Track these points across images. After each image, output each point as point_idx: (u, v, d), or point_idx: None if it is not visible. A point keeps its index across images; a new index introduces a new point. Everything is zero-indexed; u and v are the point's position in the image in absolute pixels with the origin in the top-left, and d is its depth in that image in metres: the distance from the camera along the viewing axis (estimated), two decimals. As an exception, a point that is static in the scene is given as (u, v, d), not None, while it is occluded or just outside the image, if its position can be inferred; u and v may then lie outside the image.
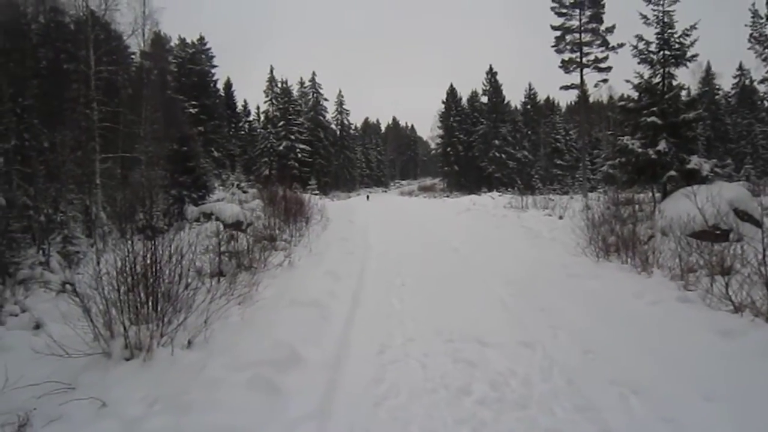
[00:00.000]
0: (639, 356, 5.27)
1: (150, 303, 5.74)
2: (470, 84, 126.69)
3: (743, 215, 11.57)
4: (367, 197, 44.63)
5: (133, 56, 26.30)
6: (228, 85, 54.49)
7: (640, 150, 14.46)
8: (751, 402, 4.16)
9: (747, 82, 47.49)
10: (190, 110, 36.69)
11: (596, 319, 6.63)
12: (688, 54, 15.10)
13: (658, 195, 15.13)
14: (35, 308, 8.09)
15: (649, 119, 14.48)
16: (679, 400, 4.32)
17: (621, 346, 5.58)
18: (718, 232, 10.79)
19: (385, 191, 77.70)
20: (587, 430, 3.95)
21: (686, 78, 43.94)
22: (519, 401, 4.44)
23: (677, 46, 14.94)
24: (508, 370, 5.08)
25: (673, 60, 15.04)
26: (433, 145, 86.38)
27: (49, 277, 10.35)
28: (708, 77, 48.25)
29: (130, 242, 6.00)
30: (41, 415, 4.13)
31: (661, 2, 14.92)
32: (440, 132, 69.71)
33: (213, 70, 46.18)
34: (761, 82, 28.43)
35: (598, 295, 7.79)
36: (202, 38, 46.03)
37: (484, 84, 61.48)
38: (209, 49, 46.32)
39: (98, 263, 5.78)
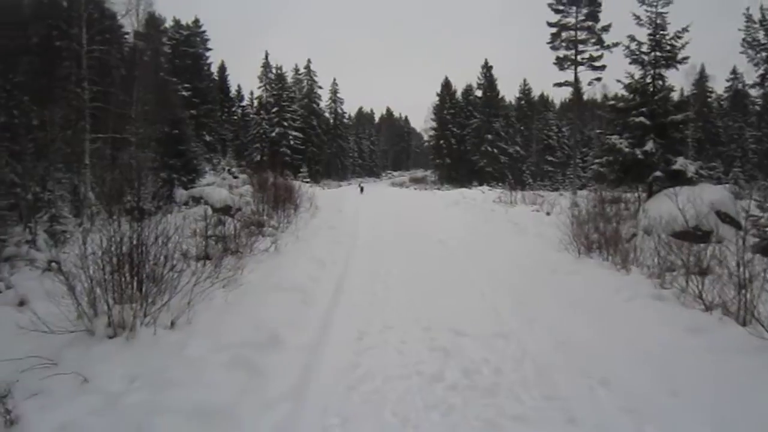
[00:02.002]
0: (610, 349, 5.44)
1: (135, 283, 5.84)
2: (465, 77, 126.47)
3: (725, 217, 11.82)
4: (361, 189, 42.32)
5: (126, 36, 26.07)
6: (222, 69, 54.13)
7: (627, 149, 14.68)
8: (713, 396, 4.32)
9: (740, 86, 47.84)
10: (183, 93, 36.41)
11: (573, 312, 6.81)
12: (679, 56, 15.31)
13: (643, 195, 15.36)
14: (20, 285, 8.16)
15: (637, 119, 14.70)
16: (645, 392, 4.48)
17: (594, 340, 5.75)
18: (699, 233, 11.01)
19: (377, 181, 77.65)
20: (552, 417, 4.12)
21: (679, 80, 44.12)
22: (489, 388, 4.60)
23: (668, 48, 15.14)
24: (482, 359, 5.23)
25: (663, 62, 15.24)
26: (426, 137, 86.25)
27: (35, 255, 10.40)
28: (701, 80, 48.48)
29: (117, 223, 6.08)
30: (23, 388, 4.23)
31: (655, 4, 15.09)
32: (433, 124, 69.64)
33: (207, 54, 45.80)
34: (753, 86, 28.72)
35: (577, 289, 7.97)
36: (197, 20, 45.61)
37: (479, 78, 61.48)
38: (204, 31, 45.91)
39: (85, 243, 5.85)
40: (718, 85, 51.76)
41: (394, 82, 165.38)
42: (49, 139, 14.05)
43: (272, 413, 4.13)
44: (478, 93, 62.19)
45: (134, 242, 5.94)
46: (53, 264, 8.86)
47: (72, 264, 5.79)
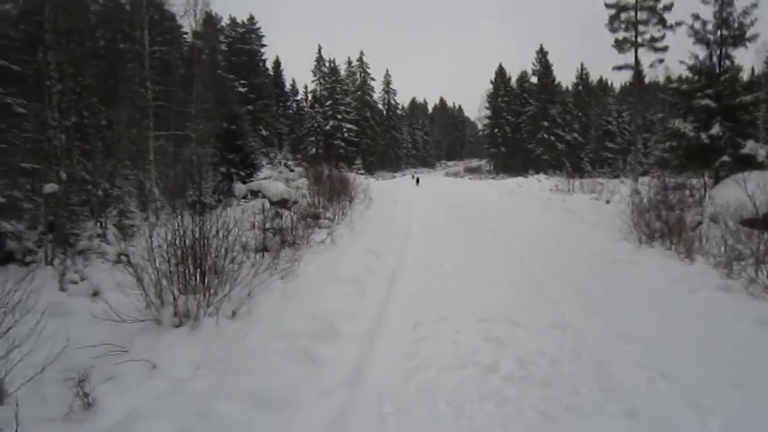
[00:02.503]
0: (673, 342, 5.28)
1: (198, 275, 6.07)
2: (520, 64, 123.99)
3: (799, 203, 11.15)
4: (417, 180, 40.44)
5: (185, 36, 26.95)
6: (277, 65, 55.21)
7: (692, 134, 14.08)
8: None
9: (817, 62, 44.88)
10: (240, 89, 37.40)
11: (633, 304, 6.63)
12: (748, 34, 14.49)
13: (710, 181, 14.70)
14: (93, 277, 8.63)
15: (702, 102, 14.06)
16: (708, 385, 4.34)
17: (655, 332, 5.58)
18: (771, 220, 10.48)
19: (431, 172, 77.32)
20: (610, 409, 4.04)
21: (750, 58, 41.67)
22: (545, 380, 4.55)
23: (736, 25, 14.35)
24: (537, 350, 5.18)
25: (731, 40, 14.49)
26: (480, 126, 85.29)
27: (106, 248, 10.95)
28: (774, 57, 45.77)
29: (180, 217, 6.33)
30: (98, 373, 4.50)
31: (721, -21, 14.35)
32: (488, 113, 68.75)
33: (262, 50, 46.91)
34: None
35: (638, 280, 7.77)
36: (252, 18, 46.67)
37: (534, 64, 60.37)
38: (259, 28, 46.93)
39: (151, 236, 6.13)
40: (794, 63, 48.64)
41: (448, 71, 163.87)
42: (116, 137, 14.72)
43: (329, 401, 4.23)
44: (534, 80, 61.07)
45: (196, 235, 6.16)
46: (122, 257, 9.30)
47: (140, 257, 6.08)
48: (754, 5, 14.25)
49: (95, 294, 7.76)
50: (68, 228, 10.93)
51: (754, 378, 4.37)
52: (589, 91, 62.40)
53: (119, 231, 12.40)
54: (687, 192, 14.45)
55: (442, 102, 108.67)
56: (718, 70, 14.51)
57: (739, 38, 14.49)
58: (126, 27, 20.38)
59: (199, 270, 6.09)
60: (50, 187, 10.37)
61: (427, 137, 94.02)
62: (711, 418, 3.84)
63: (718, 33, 14.50)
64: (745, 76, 15.84)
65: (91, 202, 12.64)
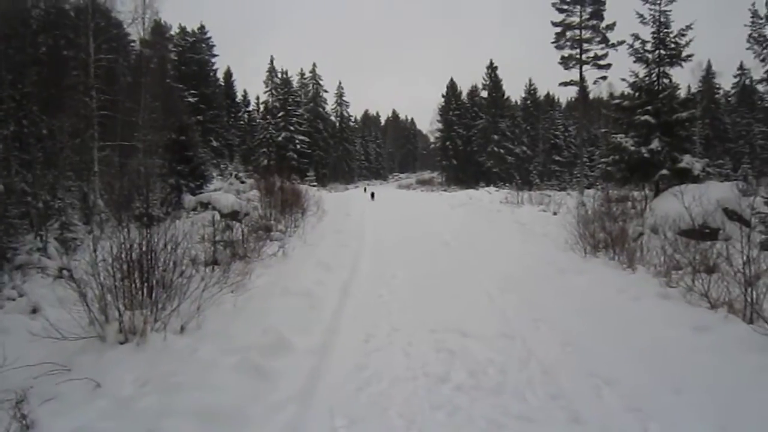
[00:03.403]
0: (616, 349, 5.47)
1: (145, 289, 5.93)
2: (471, 78, 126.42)
3: (732, 214, 11.79)
4: (372, 195, 37.24)
5: (132, 44, 26.36)
6: (228, 75, 54.47)
7: (633, 148, 14.68)
8: (718, 394, 4.36)
9: (747, 81, 47.54)
10: (190, 99, 36.73)
11: (578, 312, 6.84)
12: (684, 54, 15.28)
13: (650, 193, 15.34)
14: (32, 293, 8.30)
15: (642, 118, 14.69)
16: (650, 391, 4.52)
17: (599, 339, 5.79)
18: (706, 230, 11.03)
19: (384, 184, 77.68)
20: (557, 416, 4.16)
21: (686, 77, 44.00)
22: (494, 388, 4.65)
23: (673, 45, 15.11)
24: (487, 360, 5.29)
25: (668, 59, 15.22)
26: (432, 139, 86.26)
27: (47, 262, 10.55)
28: (708, 76, 48.23)
29: (126, 230, 6.17)
30: (38, 393, 4.32)
31: (658, 2, 15.07)
32: (440, 126, 69.66)
33: (213, 60, 46.17)
34: (760, 82, 28.48)
35: (583, 289, 8.01)
36: (202, 27, 45.95)
37: (484, 78, 61.46)
38: (210, 38, 46.25)
39: (95, 250, 5.95)
40: (726, 82, 51.51)
41: (399, 84, 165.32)
42: (58, 147, 14.22)
43: (280, 415, 4.20)
44: (484, 94, 62.20)
45: (143, 249, 6.03)
46: (64, 271, 8.99)
47: (83, 271, 5.89)
48: (689, 27, 15.05)
49: (34, 311, 7.45)
50: (5, 242, 10.48)
51: (692, 383, 4.57)
52: (537, 105, 64.13)
53: (61, 245, 11.96)
54: (629, 204, 15.05)
55: (395, 114, 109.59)
56: (657, 88, 15.21)
57: (676, 57, 15.25)
58: (70, 33, 19.79)
59: (146, 284, 5.95)
60: (-14, 199, 9.92)
61: (380, 149, 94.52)
62: (652, 423, 4.01)
63: (657, 52, 15.22)
64: (682, 93, 16.62)
65: (30, 215, 12.16)
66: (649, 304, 6.83)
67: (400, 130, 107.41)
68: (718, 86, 49.31)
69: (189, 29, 44.34)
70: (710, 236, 10.66)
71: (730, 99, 49.71)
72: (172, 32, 39.29)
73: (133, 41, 26.03)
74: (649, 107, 14.86)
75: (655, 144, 14.33)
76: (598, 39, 33.14)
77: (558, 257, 10.66)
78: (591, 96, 40.71)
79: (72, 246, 12.17)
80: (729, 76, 51.99)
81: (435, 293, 8.19)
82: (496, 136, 57.45)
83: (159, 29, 29.23)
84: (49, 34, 20.10)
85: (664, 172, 14.22)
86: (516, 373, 4.98)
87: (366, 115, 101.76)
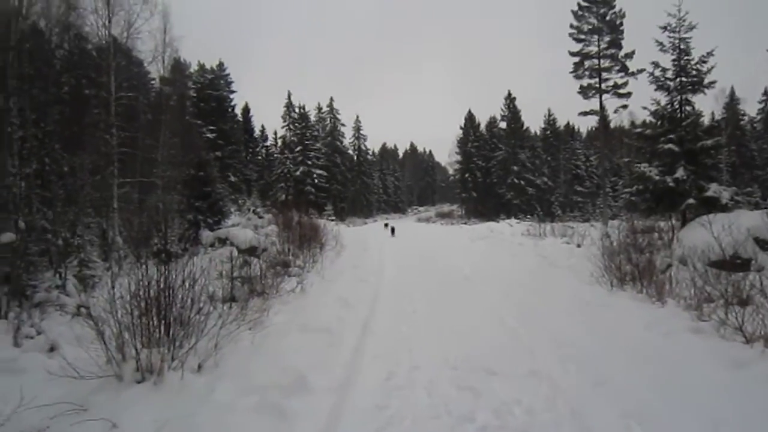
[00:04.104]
0: (647, 387, 5.32)
1: (162, 327, 5.94)
2: (489, 110, 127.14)
3: (764, 244, 11.53)
4: (392, 230, 33.97)
5: (152, 82, 27.07)
6: (246, 110, 55.64)
7: (657, 177, 14.52)
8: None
9: (772, 107, 47.19)
10: (208, 135, 37.46)
11: (607, 349, 6.68)
12: (706, 80, 15.19)
13: (677, 223, 15.10)
14: (51, 331, 8.34)
15: (666, 146, 14.57)
16: (685, 430, 4.37)
17: (630, 377, 5.63)
18: (738, 261, 10.78)
19: (402, 217, 77.74)
20: (588, 459, 4.03)
21: (709, 104, 43.64)
22: (521, 429, 4.54)
23: (694, 72, 15.05)
24: (513, 399, 5.17)
25: (690, 87, 15.14)
26: (451, 171, 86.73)
27: (65, 300, 10.64)
28: (732, 103, 48.01)
29: (144, 267, 6.22)
30: (54, 434, 4.32)
31: (677, 30, 15.09)
32: (458, 158, 70.02)
33: (231, 96, 47.26)
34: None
35: (611, 324, 7.84)
36: (221, 64, 47.19)
37: (502, 109, 61.96)
38: (228, 74, 47.43)
39: (113, 287, 6.00)
40: (751, 108, 51.23)
41: (417, 116, 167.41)
42: (79, 185, 14.50)
43: (300, 458, 4.13)
44: (503, 125, 62.59)
45: (161, 285, 6.06)
46: (82, 309, 9.04)
47: (101, 308, 5.93)
48: (710, 53, 15.01)
49: (52, 349, 7.48)
50: (25, 279, 10.60)
51: (728, 420, 4.42)
52: (557, 135, 64.28)
53: (79, 282, 12.08)
54: (656, 235, 14.83)
55: (413, 147, 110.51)
56: (679, 116, 15.11)
57: (698, 85, 15.17)
58: (92, 72, 20.40)
59: (163, 322, 5.96)
60: (7, 237, 10.10)
61: (398, 183, 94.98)
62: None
63: (678, 80, 15.17)
64: (705, 120, 16.49)
65: (50, 252, 12.33)
66: (681, 340, 6.67)
67: (419, 162, 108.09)
68: (742, 113, 49.02)
69: (208, 66, 45.60)
70: (742, 267, 10.41)
71: (755, 125, 49.27)
72: (192, 69, 40.39)
73: (153, 79, 26.74)
74: (672, 135, 14.75)
75: (680, 173, 14.18)
76: (617, 68, 33.23)
77: (583, 291, 10.49)
78: (612, 125, 40.76)
79: (90, 283, 12.28)
80: (754, 102, 51.70)
81: (456, 329, 8.08)
82: (516, 168, 57.49)
83: (178, 67, 30.00)
84: (72, 74, 20.77)
85: (691, 201, 14.02)
86: (543, 414, 4.85)
87: (384, 148, 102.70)
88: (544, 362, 6.31)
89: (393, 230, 32.75)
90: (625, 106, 33.97)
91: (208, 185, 21.25)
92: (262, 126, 63.43)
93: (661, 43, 15.38)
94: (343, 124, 70.24)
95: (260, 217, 30.02)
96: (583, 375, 5.81)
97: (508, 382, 5.67)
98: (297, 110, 61.81)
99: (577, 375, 5.83)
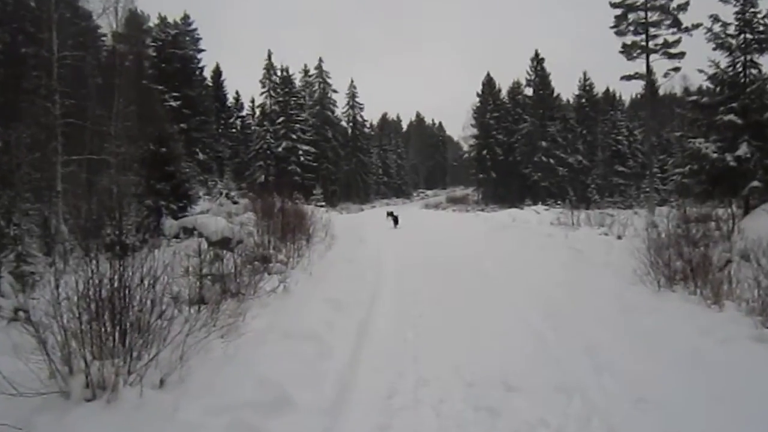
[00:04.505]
0: (701, 406, 5.36)
1: (116, 335, 5.94)
2: (511, 73, 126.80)
3: None
4: (395, 220, 32.84)
5: (103, 39, 27.00)
6: (217, 74, 55.47)
7: (715, 155, 14.53)
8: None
9: None
10: (171, 103, 37.33)
11: (652, 359, 6.72)
12: (776, 38, 15.14)
13: (738, 211, 15.11)
14: (-18, 339, 8.38)
15: (726, 118, 14.54)
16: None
17: (680, 394, 5.66)
18: (815, 257, 10.77)
19: (406, 203, 77.78)
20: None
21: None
22: (548, 456, 4.58)
23: (761, 28, 14.98)
24: (539, 421, 5.21)
25: (756, 45, 15.09)
26: (465, 148, 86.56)
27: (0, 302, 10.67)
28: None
29: (95, 262, 6.22)
30: (-14, 462, 4.35)
31: (742, -25, 15.02)
32: (474, 131, 69.90)
33: (199, 56, 47.11)
34: None
35: (657, 331, 7.86)
36: (186, 17, 47.01)
37: (528, 73, 61.82)
38: (195, 30, 47.31)
39: (57, 286, 6.00)
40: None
41: (424, 82, 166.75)
42: (14, 163, 14.49)
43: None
44: (528, 91, 62.52)
45: (115, 285, 6.06)
46: (20, 313, 9.07)
47: (42, 312, 5.93)
48: (782, 5, 14.96)
49: (-16, 361, 7.52)
50: (-49, 277, 10.65)
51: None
52: (594, 105, 64.01)
53: (17, 280, 12.11)
54: (712, 224, 14.81)
55: (419, 118, 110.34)
56: (743, 81, 15.07)
57: (766, 43, 15.11)
58: (30, 27, 20.31)
59: (118, 328, 5.96)
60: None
61: (402, 161, 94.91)
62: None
63: (742, 37, 15.11)
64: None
65: (-20, 245, 12.35)
66: (741, 349, 6.68)
67: (426, 137, 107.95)
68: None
69: (171, 20, 45.28)
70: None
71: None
72: (151, 24, 40.22)
73: (104, 35, 26.69)
74: (734, 104, 14.73)
75: (742, 150, 14.18)
76: (667, 22, 33.06)
77: (625, 292, 10.50)
78: (661, 92, 40.65)
79: (30, 282, 12.31)
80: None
81: (471, 336, 8.14)
82: (544, 143, 57.42)
83: (134, 20, 29.94)
84: (6, 29, 20.68)
85: (756, 184, 14.03)
86: (575, 437, 4.89)
87: (384, 119, 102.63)
88: (577, 375, 6.35)
89: (396, 220, 32.30)
90: (676, 69, 33.90)
91: (172, 164, 21.23)
92: (237, 93, 63.35)
93: (721, -8, 15.31)
94: (335, 91, 70.16)
95: (234, 203, 30.07)
96: (622, 390, 5.85)
97: (533, 399, 5.71)
98: (279, 73, 61.63)
99: (616, 390, 5.87)
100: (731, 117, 14.52)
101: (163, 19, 44.36)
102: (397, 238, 24.53)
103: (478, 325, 8.74)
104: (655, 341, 7.43)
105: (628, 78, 34.66)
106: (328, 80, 69.13)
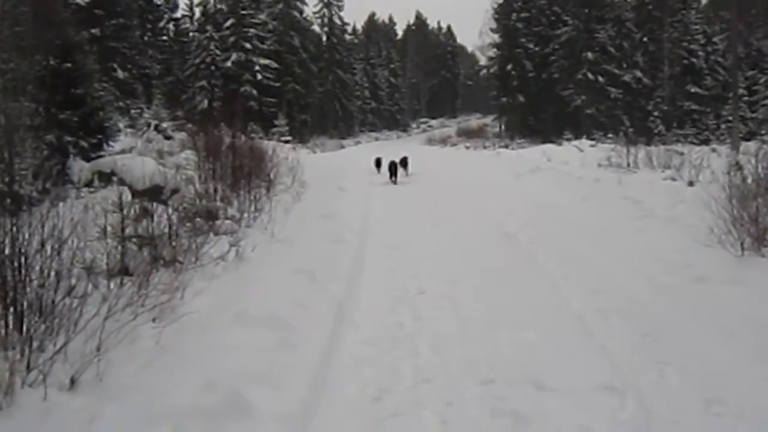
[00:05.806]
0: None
1: (9, 318, 5.96)
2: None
3: None
4: (390, 170, 28.81)
5: None
6: (140, -41, 54.49)
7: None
8: None
9: None
10: (77, 0, 36.77)
11: (731, 349, 6.80)
12: None
13: None
14: None
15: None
16: None
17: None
18: None
19: (402, 137, 77.47)
20: None
21: None
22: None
23: None
24: (579, 428, 5.30)
25: None
26: (483, 62, 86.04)
27: None
28: None
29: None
30: None
31: None
32: (496, 39, 69.32)
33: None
34: None
35: (738, 311, 7.94)
36: None
37: (570, -42, 61.01)
38: None
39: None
40: None
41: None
42: None
43: None
44: (570, -18, 61.73)
45: (6, 251, 6.05)
46: None
47: None
48: None
49: None
50: None
51: None
52: (660, 2, 63.43)
53: None
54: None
55: (421, 21, 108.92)
56: None
57: None
58: None
59: (11, 309, 5.98)
60: None
61: (396, 80, 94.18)
62: None
63: None
64: None
65: None
66: None
67: (429, 47, 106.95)
68: None
69: None
70: None
71: None
72: None
73: None
74: None
75: None
76: None
77: (697, 257, 10.56)
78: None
79: None
80: None
81: (490, 319, 8.20)
82: (590, 55, 57.06)
83: None
84: None
85: None
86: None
87: (372, 22, 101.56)
88: (629, 370, 6.43)
89: (392, 169, 29.28)
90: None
91: (80, 85, 21.01)
92: (169, -14, 62.35)
93: None
94: (303, -17, 69.23)
95: (168, 138, 29.85)
96: (692, 390, 5.93)
97: (572, 401, 5.78)
98: (227, -41, 60.63)
99: (683, 390, 5.95)
100: None
101: None
102: (387, 186, 24.54)
103: (498, 307, 8.76)
104: (735, 324, 7.51)
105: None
106: (295, -32, 68.28)
